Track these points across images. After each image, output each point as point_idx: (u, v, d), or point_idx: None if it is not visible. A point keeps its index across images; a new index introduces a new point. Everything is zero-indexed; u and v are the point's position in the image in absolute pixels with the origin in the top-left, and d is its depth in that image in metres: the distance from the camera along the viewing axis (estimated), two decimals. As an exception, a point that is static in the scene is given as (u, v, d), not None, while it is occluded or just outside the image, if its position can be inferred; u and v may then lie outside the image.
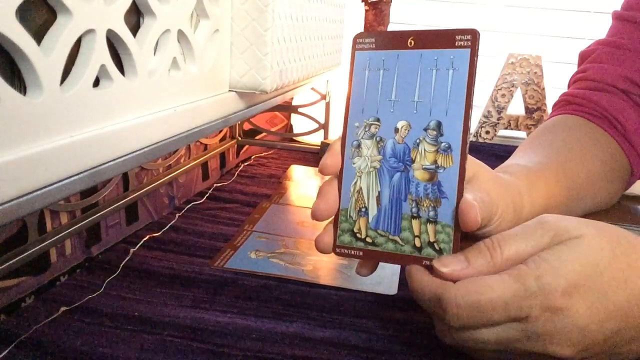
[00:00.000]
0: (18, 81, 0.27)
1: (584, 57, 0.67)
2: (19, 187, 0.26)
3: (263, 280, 0.46)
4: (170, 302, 0.42)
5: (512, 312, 0.31)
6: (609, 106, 0.60)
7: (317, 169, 0.81)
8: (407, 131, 0.34)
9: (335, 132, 0.99)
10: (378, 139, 0.35)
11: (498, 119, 1.75)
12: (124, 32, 0.33)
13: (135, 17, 0.35)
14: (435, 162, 0.34)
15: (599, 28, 0.79)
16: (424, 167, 0.34)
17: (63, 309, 0.40)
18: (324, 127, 0.95)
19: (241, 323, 0.40)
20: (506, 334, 0.32)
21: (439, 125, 0.34)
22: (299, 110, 0.96)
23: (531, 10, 1.85)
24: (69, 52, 0.29)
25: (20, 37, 0.25)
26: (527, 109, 1.74)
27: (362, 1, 1.12)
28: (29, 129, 0.27)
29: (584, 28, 1.79)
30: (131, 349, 0.36)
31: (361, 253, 0.36)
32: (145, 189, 0.60)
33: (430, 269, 0.34)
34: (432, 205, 0.34)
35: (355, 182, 0.36)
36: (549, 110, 1.01)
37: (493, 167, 0.42)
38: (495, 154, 0.90)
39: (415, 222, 0.35)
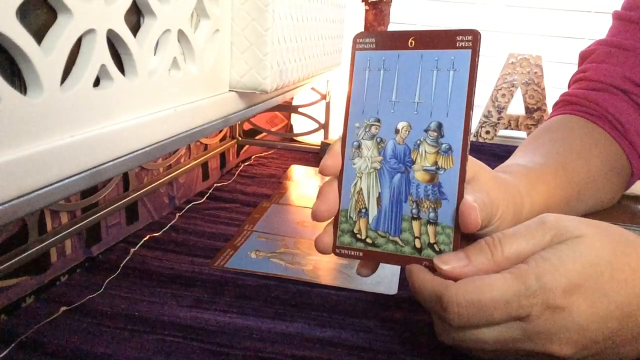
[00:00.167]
0: (18, 81, 0.27)
1: (584, 57, 0.67)
2: (19, 187, 0.26)
3: (263, 280, 0.46)
4: (171, 302, 0.42)
5: (513, 311, 0.31)
6: (609, 106, 0.60)
7: (317, 169, 0.82)
8: (407, 132, 0.34)
9: (335, 132, 0.99)
10: (378, 139, 0.35)
11: (498, 119, 1.75)
12: (124, 32, 0.33)
13: (135, 17, 0.35)
14: (435, 163, 0.34)
15: (599, 28, 0.79)
16: (424, 168, 0.34)
17: (63, 309, 0.40)
18: (324, 127, 0.95)
19: (241, 323, 0.40)
20: (506, 333, 0.32)
21: (439, 126, 0.34)
22: (299, 110, 0.96)
23: (531, 10, 1.85)
24: (69, 52, 0.29)
25: (21, 36, 0.25)
26: (527, 109, 1.74)
27: (362, 1, 1.12)
28: (29, 129, 0.27)
29: (584, 28, 1.79)
30: (131, 349, 0.36)
31: (361, 254, 0.36)
32: (145, 189, 0.60)
33: (431, 270, 0.34)
34: (433, 206, 0.34)
35: (356, 183, 0.36)
36: (549, 110, 1.01)
37: (493, 167, 0.42)
38: (495, 154, 0.90)
39: (415, 223, 0.35)
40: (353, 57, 0.36)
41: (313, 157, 0.88)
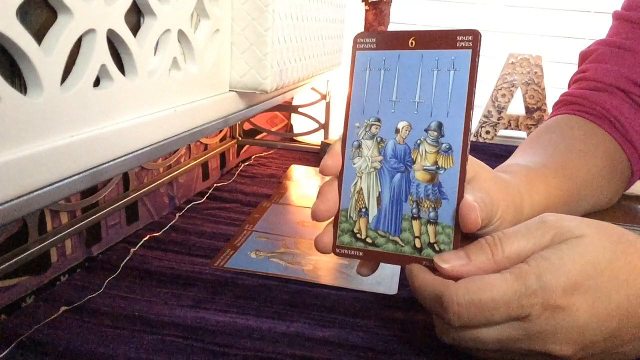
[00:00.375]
0: (18, 81, 0.27)
1: (584, 57, 0.67)
2: (19, 187, 0.26)
3: (263, 280, 0.46)
4: (171, 302, 0.42)
5: (513, 311, 0.31)
6: (609, 106, 0.60)
7: (317, 169, 0.82)
8: (407, 132, 0.34)
9: (335, 132, 0.99)
10: (379, 139, 0.35)
11: (498, 119, 1.75)
12: (124, 32, 0.33)
13: (135, 17, 0.35)
14: (435, 163, 0.34)
15: (599, 28, 0.79)
16: (424, 168, 0.34)
17: (63, 308, 0.40)
18: (324, 127, 0.95)
19: (241, 323, 0.40)
20: (506, 333, 0.32)
21: (439, 126, 0.34)
22: (299, 110, 0.96)
23: (531, 10, 1.85)
24: (69, 51, 0.29)
25: (21, 36, 0.25)
26: (527, 109, 1.74)
27: (362, 1, 1.12)
28: (29, 129, 0.27)
29: (584, 28, 1.79)
30: (131, 349, 0.36)
31: (361, 253, 0.36)
32: (145, 189, 0.60)
33: (431, 269, 0.34)
34: (433, 206, 0.34)
35: (356, 183, 0.36)
36: (549, 110, 1.01)
37: (493, 167, 0.42)
38: (495, 154, 0.90)
39: (415, 223, 0.35)
40: (353, 57, 0.36)
41: (313, 157, 0.88)
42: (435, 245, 0.34)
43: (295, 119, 1.11)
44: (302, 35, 0.58)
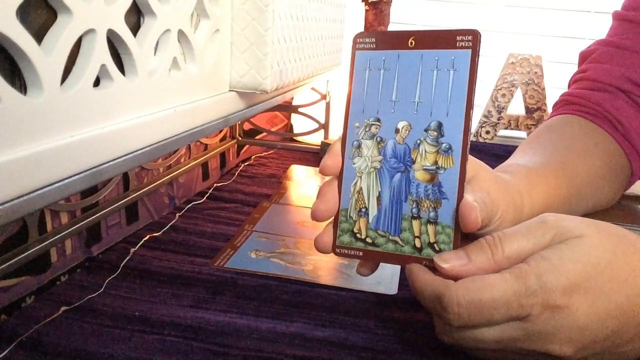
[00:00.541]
0: (18, 81, 0.27)
1: (584, 57, 0.67)
2: (19, 187, 0.26)
3: (263, 280, 0.46)
4: (171, 302, 0.42)
5: (513, 311, 0.31)
6: (609, 106, 0.60)
7: (317, 169, 0.82)
8: (407, 132, 0.34)
9: (335, 132, 0.99)
10: (378, 139, 0.35)
11: (498, 119, 1.75)
12: (124, 32, 0.33)
13: (135, 17, 0.35)
14: (435, 162, 0.34)
15: (599, 28, 0.79)
16: (424, 167, 0.34)
17: (63, 308, 0.40)
18: (324, 127, 0.95)
19: (241, 323, 0.40)
20: (506, 333, 0.32)
21: (439, 126, 0.34)
22: (299, 110, 0.96)
23: (531, 10, 1.85)
24: (69, 52, 0.29)
25: (21, 36, 0.25)
26: (527, 109, 1.74)
27: (362, 1, 1.12)
28: (29, 129, 0.27)
29: (584, 28, 1.79)
30: (131, 349, 0.36)
31: (361, 253, 0.36)
32: (145, 189, 0.60)
33: (431, 269, 0.34)
34: (433, 206, 0.34)
35: (356, 183, 0.36)
36: (549, 110, 1.00)
37: (493, 167, 0.42)
38: (495, 154, 0.90)
39: (415, 223, 0.35)
40: (353, 56, 0.36)
41: (313, 157, 0.88)
42: (435, 245, 0.34)
43: (295, 119, 1.11)
44: (302, 35, 0.58)
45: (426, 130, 0.34)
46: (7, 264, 0.41)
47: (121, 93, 0.33)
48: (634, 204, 0.67)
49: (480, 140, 1.75)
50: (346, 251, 0.36)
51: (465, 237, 0.34)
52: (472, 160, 0.35)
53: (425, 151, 0.34)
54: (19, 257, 0.42)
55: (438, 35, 0.34)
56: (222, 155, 0.83)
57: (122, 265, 0.47)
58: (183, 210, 0.61)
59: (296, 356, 0.36)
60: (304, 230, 0.58)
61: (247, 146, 0.92)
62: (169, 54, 0.38)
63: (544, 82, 1.72)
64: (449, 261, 0.33)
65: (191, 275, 0.47)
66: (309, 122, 0.95)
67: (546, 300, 0.31)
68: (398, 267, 0.49)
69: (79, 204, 0.50)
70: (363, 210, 0.36)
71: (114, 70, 0.32)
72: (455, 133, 0.33)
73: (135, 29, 0.35)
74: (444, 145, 0.33)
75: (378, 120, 0.35)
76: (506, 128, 1.76)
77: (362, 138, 0.36)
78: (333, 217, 0.37)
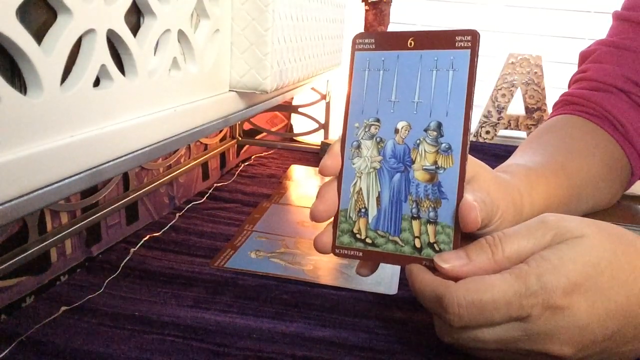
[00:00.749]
0: (18, 81, 0.27)
1: (584, 57, 0.67)
2: (19, 187, 0.26)
3: (263, 280, 0.46)
4: (171, 302, 0.42)
5: (514, 312, 0.31)
6: (609, 106, 0.60)
7: (317, 169, 0.81)
8: (407, 132, 0.34)
9: (335, 132, 0.99)
10: (378, 139, 0.35)
11: (498, 119, 1.75)
12: (124, 32, 0.33)
13: (135, 17, 0.35)
14: (435, 162, 0.34)
15: (599, 28, 0.79)
16: (424, 167, 0.34)
17: (63, 308, 0.40)
18: (324, 127, 0.95)
19: (241, 323, 0.40)
20: (507, 333, 0.32)
21: (439, 126, 0.34)
22: (299, 110, 0.96)
23: (531, 10, 1.85)
24: (69, 52, 0.29)
25: (21, 36, 0.25)
26: (527, 109, 1.74)
27: (362, 1, 1.12)
28: (29, 129, 0.27)
29: (584, 28, 1.79)
30: (131, 349, 0.36)
31: (361, 254, 0.36)
32: (145, 189, 0.60)
33: (431, 269, 0.34)
34: (432, 206, 0.34)
35: (355, 183, 0.36)
36: (549, 110, 1.01)
37: (493, 167, 0.42)
38: (495, 154, 0.90)
39: (415, 223, 0.35)
40: (352, 57, 0.36)
41: (313, 157, 0.88)
42: (435, 245, 0.34)
43: (295, 119, 1.11)
44: (302, 35, 0.58)
45: (426, 130, 0.34)
46: (7, 264, 0.41)
47: (121, 93, 0.33)
48: (634, 204, 0.67)
49: (480, 140, 1.75)
50: (346, 252, 0.36)
51: (465, 237, 0.34)
52: (471, 160, 0.35)
53: (425, 151, 0.34)
54: (19, 257, 0.42)
55: (437, 35, 0.34)
56: (222, 155, 0.83)
57: (122, 265, 0.47)
58: (183, 210, 0.61)
59: (296, 356, 0.36)
60: (304, 230, 0.58)
61: (247, 146, 0.92)
62: (169, 54, 0.38)
63: (544, 82, 1.72)
64: (449, 261, 0.33)
65: (191, 275, 0.47)
66: (309, 122, 0.95)
67: (546, 301, 0.31)
68: (398, 267, 0.49)
69: (79, 204, 0.50)
70: (363, 210, 0.36)
71: (114, 70, 0.32)
72: (455, 133, 0.33)
73: (135, 29, 0.35)
74: (443, 145, 0.33)
75: (377, 120, 0.35)
76: (506, 128, 1.77)
77: (362, 138, 0.36)
78: (332, 218, 0.37)
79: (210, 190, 0.68)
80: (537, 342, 0.32)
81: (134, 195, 0.58)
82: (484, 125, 1.76)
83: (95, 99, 0.31)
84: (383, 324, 0.41)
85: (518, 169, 0.48)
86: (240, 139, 0.89)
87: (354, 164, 0.36)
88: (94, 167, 0.31)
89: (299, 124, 1.09)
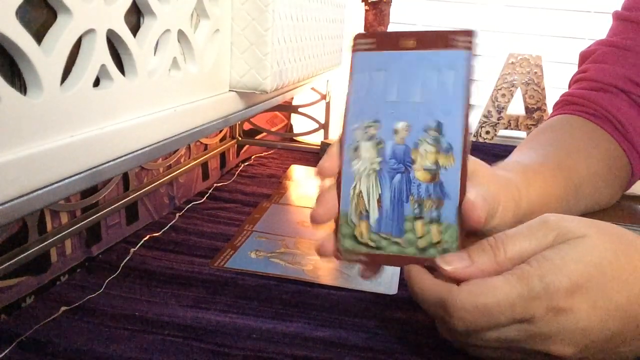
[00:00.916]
0: (18, 81, 0.27)
1: (584, 57, 0.67)
2: (19, 187, 0.26)
3: (263, 280, 0.46)
4: (171, 302, 0.42)
5: (518, 314, 0.31)
6: (609, 106, 0.60)
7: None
8: (407, 132, 0.34)
9: (335, 132, 0.99)
10: (377, 140, 0.35)
11: (498, 119, 1.75)
12: (124, 32, 0.33)
13: (135, 17, 0.35)
14: (436, 162, 0.34)
15: (599, 28, 0.79)
16: (425, 167, 0.34)
17: (63, 308, 0.40)
18: (324, 127, 0.95)
19: (241, 323, 0.40)
20: (509, 334, 0.32)
21: (439, 125, 0.33)
22: (299, 110, 0.96)
23: (531, 10, 1.85)
24: (69, 52, 0.29)
25: (21, 37, 0.25)
26: (527, 109, 1.74)
27: (362, 1, 1.12)
28: (29, 129, 0.27)
29: (584, 28, 1.78)
30: (131, 349, 0.36)
31: (364, 258, 0.36)
32: (145, 189, 0.60)
33: (430, 269, 0.34)
34: (435, 205, 0.34)
35: (355, 186, 0.36)
36: (549, 110, 1.00)
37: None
38: (495, 154, 0.90)
39: (418, 224, 0.34)
40: (352, 57, 0.36)
41: (313, 157, 0.88)
42: (439, 244, 0.34)
43: (295, 119, 1.11)
44: (302, 35, 0.58)
45: (426, 130, 0.34)
46: (7, 264, 0.41)
47: (121, 93, 0.33)
48: (634, 204, 0.67)
49: (480, 140, 1.75)
50: (349, 256, 0.36)
51: (466, 237, 0.34)
52: (469, 158, 0.35)
53: (426, 151, 0.34)
54: (19, 257, 0.42)
55: (435, 35, 0.34)
56: (222, 155, 0.83)
57: (122, 265, 0.47)
58: (183, 210, 0.61)
59: (296, 356, 0.36)
60: (304, 230, 0.58)
61: (247, 146, 0.92)
62: (169, 54, 0.38)
63: (544, 82, 1.72)
64: (452, 263, 0.33)
65: (191, 275, 0.47)
66: (309, 122, 0.95)
67: (549, 302, 0.31)
68: (398, 267, 0.48)
69: (79, 204, 0.50)
70: (364, 213, 0.35)
71: (113, 70, 0.32)
72: (455, 132, 0.33)
73: (135, 29, 0.35)
74: (444, 144, 0.33)
75: (376, 121, 0.35)
76: (506, 128, 1.76)
77: (361, 140, 0.35)
78: (334, 222, 0.37)
79: (210, 190, 0.68)
80: (538, 342, 0.32)
81: (134, 195, 0.58)
82: (484, 125, 1.76)
83: (95, 99, 0.31)
84: (383, 324, 0.41)
85: (515, 166, 0.48)
86: (240, 139, 0.89)
87: (352, 166, 0.35)
88: (94, 167, 0.31)
89: (299, 124, 1.09)
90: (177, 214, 0.60)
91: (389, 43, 0.35)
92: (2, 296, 0.42)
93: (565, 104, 0.65)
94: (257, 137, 0.97)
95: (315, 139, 0.95)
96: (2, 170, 0.25)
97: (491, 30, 1.88)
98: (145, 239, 0.53)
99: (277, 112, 1.07)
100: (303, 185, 0.74)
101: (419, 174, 0.34)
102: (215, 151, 0.79)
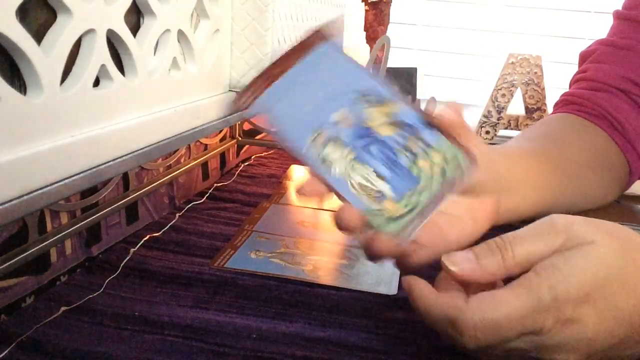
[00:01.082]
0: (18, 81, 0.27)
1: (584, 57, 0.67)
2: (19, 187, 0.26)
3: (263, 280, 0.46)
4: (171, 302, 0.42)
5: (528, 327, 0.30)
6: (608, 106, 0.60)
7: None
8: (345, 115, 0.36)
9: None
10: (332, 139, 0.36)
11: (498, 119, 1.75)
12: (124, 32, 0.33)
13: (135, 17, 0.35)
14: (386, 114, 0.35)
15: (599, 28, 0.79)
16: (383, 124, 0.35)
17: (63, 308, 0.40)
18: (324, 127, 0.95)
19: (241, 323, 0.40)
20: (517, 346, 0.31)
21: (360, 92, 0.35)
22: (299, 110, 0.95)
23: (531, 10, 1.85)
24: (69, 52, 0.29)
25: (21, 37, 0.25)
26: (527, 109, 1.74)
27: (362, 1, 1.12)
28: (29, 129, 0.27)
29: (584, 28, 1.78)
30: (131, 349, 0.36)
31: (416, 222, 0.35)
32: (145, 189, 0.60)
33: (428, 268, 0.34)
34: (417, 140, 0.35)
35: (351, 183, 0.35)
36: (549, 110, 1.00)
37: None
38: (495, 154, 0.90)
39: (419, 162, 0.35)
40: (250, 111, 0.37)
41: (313, 157, 0.88)
42: (449, 164, 0.35)
43: (295, 119, 1.11)
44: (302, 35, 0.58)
45: (355, 103, 0.35)
46: (7, 264, 0.41)
47: (121, 93, 0.33)
48: (634, 204, 0.67)
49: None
50: (405, 234, 0.35)
51: (467, 234, 0.35)
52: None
53: (371, 113, 0.35)
54: (19, 257, 0.42)
55: (297, 48, 0.37)
56: (222, 155, 0.83)
57: (122, 265, 0.47)
58: (183, 210, 0.61)
59: (296, 356, 0.36)
60: (304, 230, 0.58)
61: (247, 146, 0.92)
62: (169, 54, 0.38)
63: (544, 82, 1.72)
64: (458, 264, 0.33)
65: (191, 275, 0.47)
66: (309, 122, 0.95)
67: (558, 314, 0.30)
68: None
69: (79, 204, 0.50)
70: (378, 195, 0.35)
71: (113, 70, 0.32)
72: (374, 86, 0.35)
73: (135, 29, 0.35)
74: (377, 99, 0.35)
75: (316, 130, 0.36)
76: (506, 128, 1.76)
77: (320, 151, 0.36)
78: (362, 226, 0.35)
79: (210, 190, 0.68)
80: (544, 352, 0.31)
81: (134, 195, 0.58)
82: (484, 125, 1.76)
83: (95, 99, 0.31)
84: (383, 324, 0.41)
85: (497, 149, 0.49)
86: (240, 139, 0.89)
87: (333, 173, 0.35)
88: (94, 167, 0.31)
89: (299, 124, 1.09)
90: (177, 214, 0.60)
91: (265, 80, 0.37)
92: (2, 296, 0.42)
93: (565, 104, 0.65)
94: (257, 137, 0.97)
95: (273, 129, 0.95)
96: (2, 170, 0.25)
97: (491, 30, 1.88)
98: (145, 239, 0.53)
99: (277, 112, 1.07)
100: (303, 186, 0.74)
101: (385, 131, 0.35)
102: (215, 151, 0.79)
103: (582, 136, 0.58)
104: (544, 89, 1.72)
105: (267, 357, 0.36)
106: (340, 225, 0.35)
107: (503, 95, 1.73)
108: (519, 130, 1.76)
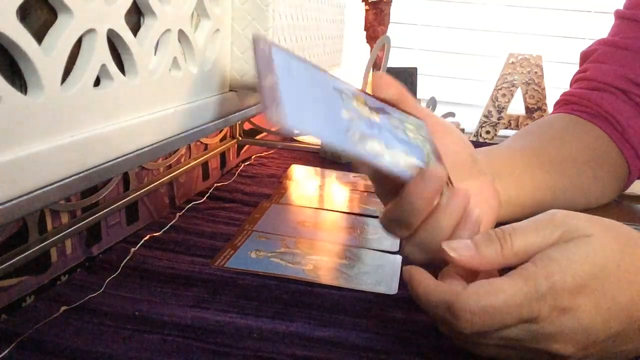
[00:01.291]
0: (19, 81, 0.27)
1: (585, 56, 0.67)
2: (19, 187, 0.26)
3: (263, 280, 0.47)
4: (171, 302, 0.42)
5: (524, 314, 0.31)
6: (608, 106, 0.60)
7: (317, 169, 0.82)
8: (348, 111, 0.34)
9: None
10: (361, 134, 0.34)
11: (498, 119, 1.75)
12: (124, 31, 0.33)
13: (135, 16, 0.35)
14: (363, 102, 0.35)
15: (600, 28, 0.79)
16: (368, 112, 0.35)
17: (63, 308, 0.40)
18: (324, 127, 0.95)
19: (241, 323, 0.40)
20: (513, 334, 0.32)
21: (336, 89, 0.35)
22: (299, 110, 0.95)
23: (531, 10, 1.85)
24: (69, 51, 0.29)
25: (21, 36, 0.25)
26: (527, 109, 1.74)
27: (362, 1, 1.12)
28: (29, 129, 0.27)
29: (584, 28, 1.79)
30: (131, 349, 0.36)
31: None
32: (145, 189, 0.60)
33: (427, 267, 0.34)
34: (393, 118, 0.36)
35: (403, 167, 0.34)
36: (550, 110, 1.01)
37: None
38: (495, 154, 0.90)
39: (410, 135, 0.36)
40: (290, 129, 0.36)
41: (313, 157, 0.88)
42: (421, 130, 0.37)
43: (295, 118, 1.11)
44: (302, 35, 0.58)
45: (343, 100, 0.35)
46: (7, 264, 0.41)
47: (121, 93, 0.33)
48: (634, 203, 0.67)
49: (481, 140, 1.75)
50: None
51: (466, 232, 0.35)
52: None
53: (357, 106, 0.35)
54: (19, 257, 0.42)
55: (259, 61, 0.33)
56: (222, 155, 0.83)
57: (122, 265, 0.47)
58: (183, 210, 0.61)
59: (296, 356, 0.36)
60: (304, 230, 0.58)
61: (247, 146, 0.92)
62: (169, 54, 0.38)
63: (544, 82, 1.72)
64: (458, 250, 0.33)
65: (191, 275, 0.47)
66: (309, 122, 0.95)
67: (554, 303, 0.30)
68: (398, 267, 0.49)
69: (79, 204, 0.50)
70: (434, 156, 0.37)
71: (114, 70, 0.32)
72: (335, 81, 0.36)
73: (135, 29, 0.35)
74: (348, 92, 0.35)
75: (346, 130, 0.33)
76: (506, 128, 1.76)
77: (364, 147, 0.33)
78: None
79: (210, 190, 0.68)
80: (541, 341, 0.32)
81: (134, 195, 0.58)
82: (484, 125, 1.76)
83: (95, 99, 0.31)
84: (383, 324, 0.41)
85: (494, 147, 0.49)
86: (240, 138, 0.89)
87: (386, 161, 0.33)
88: (94, 167, 0.31)
89: (299, 123, 1.09)
90: (177, 214, 0.60)
91: (268, 96, 0.36)
92: (2, 296, 0.42)
93: (564, 104, 0.65)
94: (258, 137, 0.97)
95: (316, 139, 0.95)
96: (2, 170, 0.25)
97: (491, 30, 1.88)
98: (145, 238, 0.53)
99: (277, 112, 1.07)
100: (303, 185, 0.74)
101: (374, 117, 0.35)
102: (215, 151, 0.79)
103: (581, 136, 0.58)
104: (544, 88, 1.72)
105: (267, 356, 0.36)
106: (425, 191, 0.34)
107: (503, 95, 1.73)
108: (519, 130, 1.76)
